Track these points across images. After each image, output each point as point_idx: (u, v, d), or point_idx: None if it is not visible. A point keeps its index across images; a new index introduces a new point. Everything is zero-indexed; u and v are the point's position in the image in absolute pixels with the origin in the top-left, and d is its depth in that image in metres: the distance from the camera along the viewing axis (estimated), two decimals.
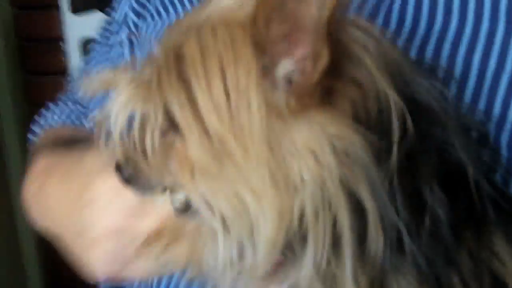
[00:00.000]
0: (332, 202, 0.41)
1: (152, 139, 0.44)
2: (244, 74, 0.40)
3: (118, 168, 0.49)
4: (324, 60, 0.38)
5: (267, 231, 0.42)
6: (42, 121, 0.85)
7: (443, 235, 0.44)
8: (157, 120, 0.43)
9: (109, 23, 0.87)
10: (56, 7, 1.76)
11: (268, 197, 0.41)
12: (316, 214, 0.42)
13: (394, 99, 0.42)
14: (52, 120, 0.84)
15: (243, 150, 0.40)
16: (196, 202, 0.44)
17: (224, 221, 0.44)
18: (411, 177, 0.43)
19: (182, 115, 0.41)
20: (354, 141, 0.41)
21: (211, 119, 0.41)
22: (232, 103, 0.40)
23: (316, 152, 0.41)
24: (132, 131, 0.46)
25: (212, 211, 0.44)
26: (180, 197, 0.47)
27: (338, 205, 0.41)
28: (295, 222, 0.42)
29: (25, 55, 1.86)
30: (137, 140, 0.46)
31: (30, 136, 0.87)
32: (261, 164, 0.41)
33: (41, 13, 1.79)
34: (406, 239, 0.43)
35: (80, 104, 0.86)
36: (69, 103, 0.87)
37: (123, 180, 0.49)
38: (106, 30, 0.86)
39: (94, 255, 0.58)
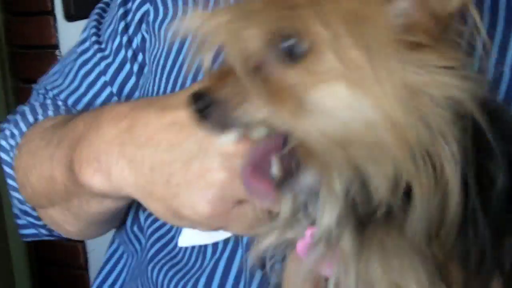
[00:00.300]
0: (439, 147, 0.41)
1: (249, 69, 0.42)
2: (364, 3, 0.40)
3: (195, 98, 0.45)
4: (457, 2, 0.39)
5: (376, 171, 0.41)
6: (30, 119, 0.80)
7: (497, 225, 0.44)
8: (257, 48, 0.42)
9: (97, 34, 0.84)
10: (50, 13, 1.74)
11: (378, 133, 0.40)
12: (423, 159, 0.41)
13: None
14: (43, 118, 0.80)
15: (356, 82, 0.40)
16: (295, 136, 0.42)
17: (328, 159, 0.42)
18: (481, 154, 0.43)
19: (292, 42, 0.41)
20: (462, 89, 0.41)
21: (324, 46, 0.40)
22: (350, 33, 0.40)
23: (430, 92, 0.41)
24: (227, 58, 0.44)
25: (314, 147, 0.42)
26: (260, 133, 0.45)
27: (445, 152, 0.41)
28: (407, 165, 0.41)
29: (17, 63, 1.84)
30: (231, 70, 0.43)
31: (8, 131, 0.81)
32: (373, 96, 0.40)
33: (35, 19, 1.78)
34: (479, 215, 0.42)
35: (61, 100, 0.83)
36: (49, 101, 0.83)
37: (196, 111, 0.45)
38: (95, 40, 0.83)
39: (199, 187, 0.54)
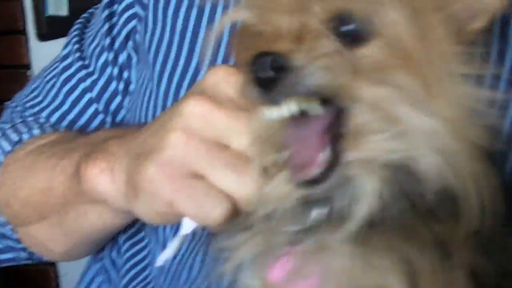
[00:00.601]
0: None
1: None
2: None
3: (263, 62, 0.43)
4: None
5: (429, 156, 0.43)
6: (14, 138, 0.78)
7: None
8: (325, 26, 0.43)
9: (80, 49, 0.82)
10: (21, 33, 1.72)
11: (433, 122, 0.43)
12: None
13: None
14: (29, 135, 0.77)
15: (418, 74, 0.43)
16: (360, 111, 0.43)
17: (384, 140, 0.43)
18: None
19: (356, 24, 0.43)
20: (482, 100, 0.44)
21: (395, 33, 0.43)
22: (414, 25, 0.43)
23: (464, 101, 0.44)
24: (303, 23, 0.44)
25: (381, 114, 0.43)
26: (315, 109, 0.44)
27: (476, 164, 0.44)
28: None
29: None
30: (301, 36, 0.43)
31: None
32: (432, 91, 0.43)
33: (6, 39, 1.76)
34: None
35: (43, 118, 0.81)
36: (30, 119, 0.80)
37: (265, 76, 0.42)
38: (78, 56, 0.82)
39: (153, 151, 0.50)
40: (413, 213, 0.44)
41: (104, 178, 0.58)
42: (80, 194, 0.62)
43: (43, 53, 1.67)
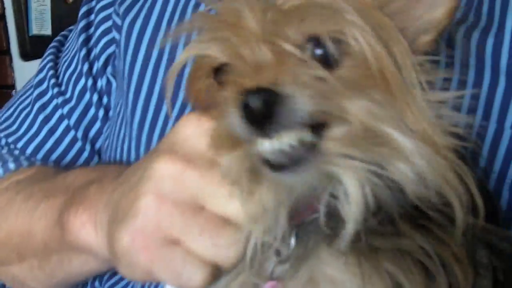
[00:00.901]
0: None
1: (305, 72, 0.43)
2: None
3: (253, 97, 0.41)
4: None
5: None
6: None
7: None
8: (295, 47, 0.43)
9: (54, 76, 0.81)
10: (6, 53, 1.72)
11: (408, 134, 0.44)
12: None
13: None
14: (3, 170, 0.75)
15: (390, 91, 0.44)
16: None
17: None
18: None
19: (329, 46, 0.44)
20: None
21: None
22: (382, 44, 0.44)
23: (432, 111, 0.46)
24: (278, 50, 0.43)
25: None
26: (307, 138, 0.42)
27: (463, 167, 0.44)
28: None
29: None
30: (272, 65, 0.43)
31: None
32: (403, 107, 0.44)
33: None
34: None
35: (18, 149, 0.78)
36: (5, 150, 0.78)
37: (259, 111, 0.41)
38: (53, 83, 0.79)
39: (125, 216, 0.48)
40: (402, 223, 0.44)
41: (87, 231, 0.56)
42: (63, 243, 0.60)
43: (27, 73, 1.67)
